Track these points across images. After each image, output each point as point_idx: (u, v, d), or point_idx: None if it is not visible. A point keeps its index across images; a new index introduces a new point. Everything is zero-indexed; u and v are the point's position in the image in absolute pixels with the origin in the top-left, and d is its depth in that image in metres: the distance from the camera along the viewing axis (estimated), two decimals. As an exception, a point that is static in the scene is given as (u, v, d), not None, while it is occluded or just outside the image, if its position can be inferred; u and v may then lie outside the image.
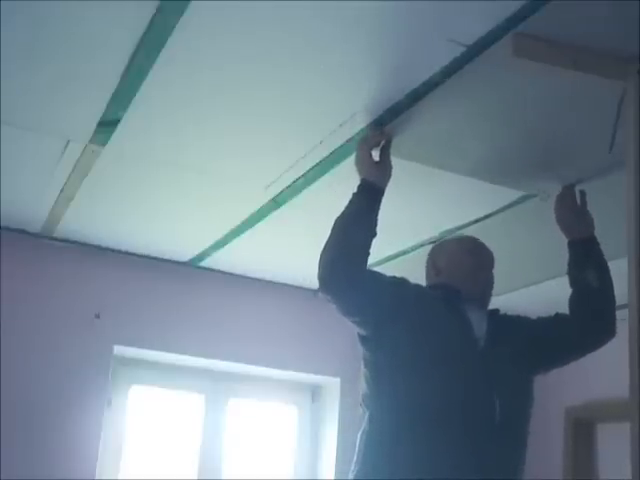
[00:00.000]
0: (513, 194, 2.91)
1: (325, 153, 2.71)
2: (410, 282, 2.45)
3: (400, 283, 2.42)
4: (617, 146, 2.21)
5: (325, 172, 2.85)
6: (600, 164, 2.54)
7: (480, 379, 2.24)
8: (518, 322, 2.54)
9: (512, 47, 1.95)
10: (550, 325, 2.54)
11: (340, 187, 2.94)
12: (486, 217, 3.11)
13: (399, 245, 3.52)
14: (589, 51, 1.99)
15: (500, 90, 2.23)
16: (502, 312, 2.52)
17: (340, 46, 2.10)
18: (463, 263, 2.51)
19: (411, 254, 3.56)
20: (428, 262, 2.64)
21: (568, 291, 2.60)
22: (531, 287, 3.93)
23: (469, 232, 3.05)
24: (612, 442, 4.08)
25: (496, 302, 2.62)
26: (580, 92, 2.17)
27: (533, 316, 2.64)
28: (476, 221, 3.15)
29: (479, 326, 2.36)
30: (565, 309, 2.58)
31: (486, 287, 2.53)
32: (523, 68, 2.05)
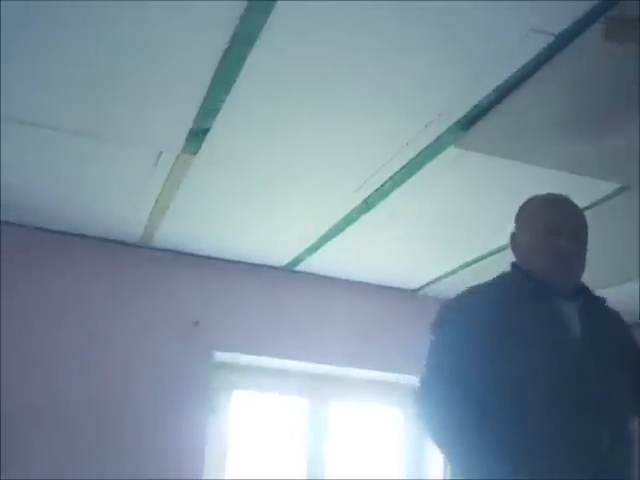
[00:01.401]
0: (608, 187, 2.81)
1: (412, 154, 2.69)
2: (489, 311, 2.07)
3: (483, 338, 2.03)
4: None
5: (412, 174, 2.83)
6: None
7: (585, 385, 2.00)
8: (620, 328, 2.21)
9: (603, 32, 1.89)
10: None
11: (428, 188, 2.92)
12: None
13: (488, 245, 3.45)
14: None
15: (592, 77, 2.16)
16: (594, 297, 2.18)
17: (423, 46, 2.09)
18: (546, 246, 2.11)
19: (499, 254, 3.48)
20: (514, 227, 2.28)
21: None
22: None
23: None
24: None
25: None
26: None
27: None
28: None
29: (574, 322, 2.08)
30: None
31: (577, 268, 2.15)
32: (613, 53, 1.97)
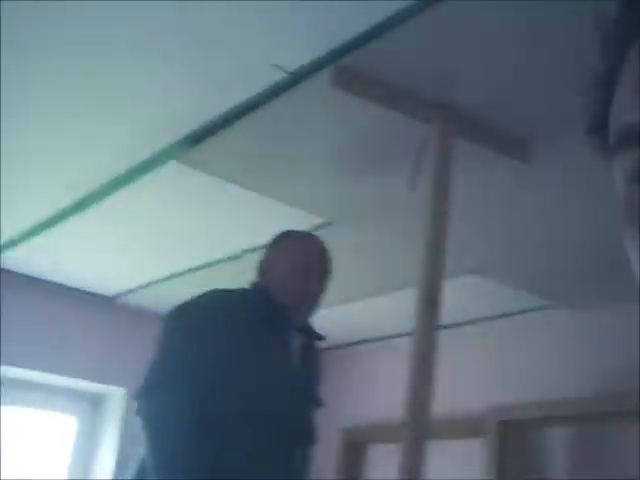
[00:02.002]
0: (313, 220, 3.01)
1: (132, 162, 2.67)
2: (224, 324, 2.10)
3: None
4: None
5: (130, 181, 2.80)
6: (399, 200, 2.70)
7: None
8: (318, 358, 2.36)
9: (332, 79, 2.04)
10: None
11: (144, 198, 2.93)
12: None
13: (198, 259, 3.52)
14: (403, 92, 2.13)
15: (317, 119, 2.32)
16: (315, 333, 2.31)
17: (154, 62, 2.09)
18: (297, 284, 2.20)
19: (209, 269, 3.58)
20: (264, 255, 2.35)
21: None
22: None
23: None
24: (381, 461, 4.35)
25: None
26: (390, 130, 2.30)
27: None
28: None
29: (296, 355, 2.19)
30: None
31: (316, 307, 2.26)
32: (341, 101, 2.14)
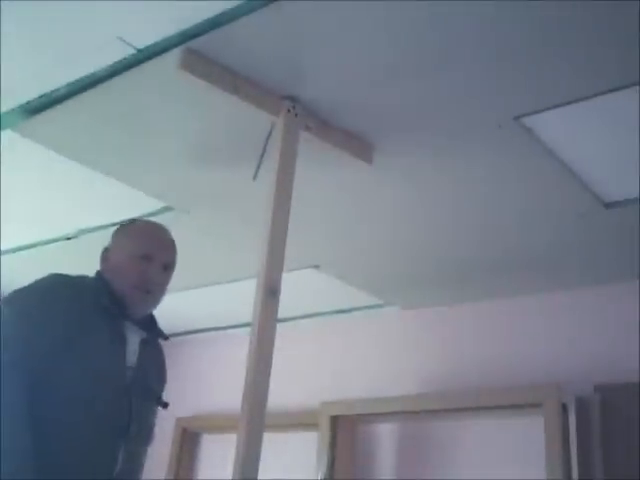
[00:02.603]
0: (154, 204, 2.97)
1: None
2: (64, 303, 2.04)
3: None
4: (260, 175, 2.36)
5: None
6: (239, 187, 2.69)
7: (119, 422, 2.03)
8: (160, 357, 2.32)
9: (180, 60, 2.00)
10: None
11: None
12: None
13: (36, 236, 3.37)
14: (251, 82, 2.12)
15: (163, 100, 2.27)
16: (157, 328, 2.25)
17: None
18: (134, 271, 2.13)
19: (48, 247, 3.43)
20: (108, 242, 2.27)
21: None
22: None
23: (107, 234, 3.03)
24: (216, 450, 4.41)
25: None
26: (237, 118, 2.29)
27: None
28: (114, 224, 3.14)
29: (133, 350, 2.11)
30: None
31: (157, 295, 2.19)
32: (189, 85, 2.10)
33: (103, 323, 2.05)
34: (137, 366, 2.11)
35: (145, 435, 2.16)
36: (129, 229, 2.26)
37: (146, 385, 2.14)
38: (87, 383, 1.97)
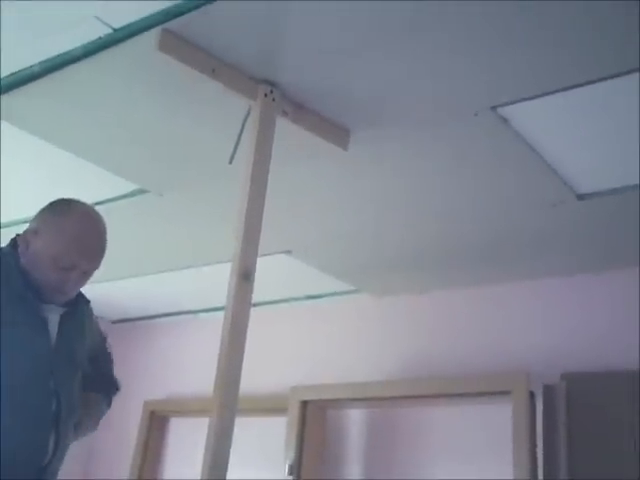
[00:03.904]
0: (128, 186, 2.94)
1: None
2: None
3: None
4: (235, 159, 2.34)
5: None
6: (215, 170, 2.67)
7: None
8: (89, 328, 2.22)
9: (158, 41, 1.98)
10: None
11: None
12: (98, 204, 3.09)
13: (5, 217, 3.33)
14: (228, 65, 2.10)
15: (140, 81, 2.24)
16: (81, 300, 2.15)
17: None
18: (54, 271, 2.00)
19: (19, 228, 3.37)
20: (31, 222, 2.10)
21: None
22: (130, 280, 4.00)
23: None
24: (184, 434, 4.41)
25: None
26: (214, 101, 2.27)
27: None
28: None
29: (54, 329, 2.02)
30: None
31: (75, 292, 2.09)
32: (166, 66, 2.08)
33: (23, 309, 1.98)
34: (57, 346, 2.03)
35: (74, 415, 2.10)
36: (62, 223, 2.06)
37: (70, 358, 2.07)
38: (13, 374, 1.91)
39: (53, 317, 2.04)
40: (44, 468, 1.99)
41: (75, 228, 2.05)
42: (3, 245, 2.09)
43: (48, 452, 1.98)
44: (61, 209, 2.09)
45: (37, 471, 1.97)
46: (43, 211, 2.09)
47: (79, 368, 2.13)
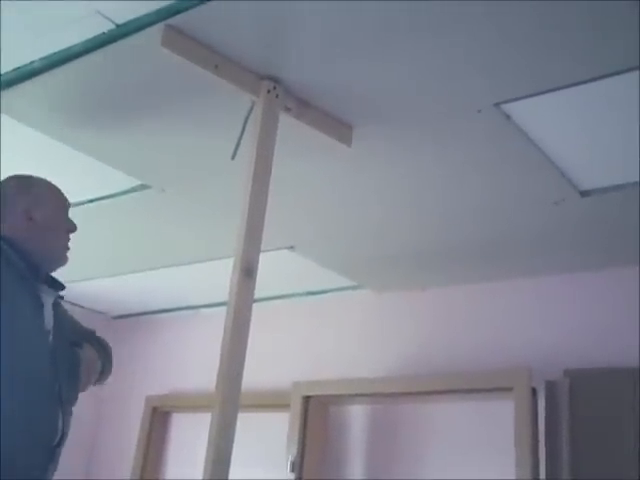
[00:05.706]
0: (130, 181, 2.94)
1: None
2: None
3: None
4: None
5: None
6: (217, 166, 2.67)
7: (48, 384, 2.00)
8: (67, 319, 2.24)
9: (162, 37, 1.98)
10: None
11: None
12: (100, 199, 3.10)
13: None
14: (232, 61, 2.10)
15: (143, 77, 2.24)
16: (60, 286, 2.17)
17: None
18: (63, 231, 2.13)
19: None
20: (14, 201, 2.10)
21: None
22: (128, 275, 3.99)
23: (82, 211, 3.00)
24: (186, 429, 4.41)
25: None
26: (217, 97, 2.27)
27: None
28: (90, 201, 3.11)
29: (49, 313, 2.07)
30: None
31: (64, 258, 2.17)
32: (170, 62, 2.07)
33: (20, 287, 1.99)
34: (54, 328, 2.06)
35: (73, 397, 2.13)
36: (46, 187, 2.16)
37: (65, 338, 2.11)
38: (16, 355, 1.92)
39: (48, 299, 2.08)
40: (54, 449, 2.00)
41: (59, 194, 2.18)
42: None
43: (58, 431, 2.00)
44: (30, 181, 2.17)
45: (49, 451, 1.98)
46: (13, 187, 2.13)
47: (71, 349, 2.15)
